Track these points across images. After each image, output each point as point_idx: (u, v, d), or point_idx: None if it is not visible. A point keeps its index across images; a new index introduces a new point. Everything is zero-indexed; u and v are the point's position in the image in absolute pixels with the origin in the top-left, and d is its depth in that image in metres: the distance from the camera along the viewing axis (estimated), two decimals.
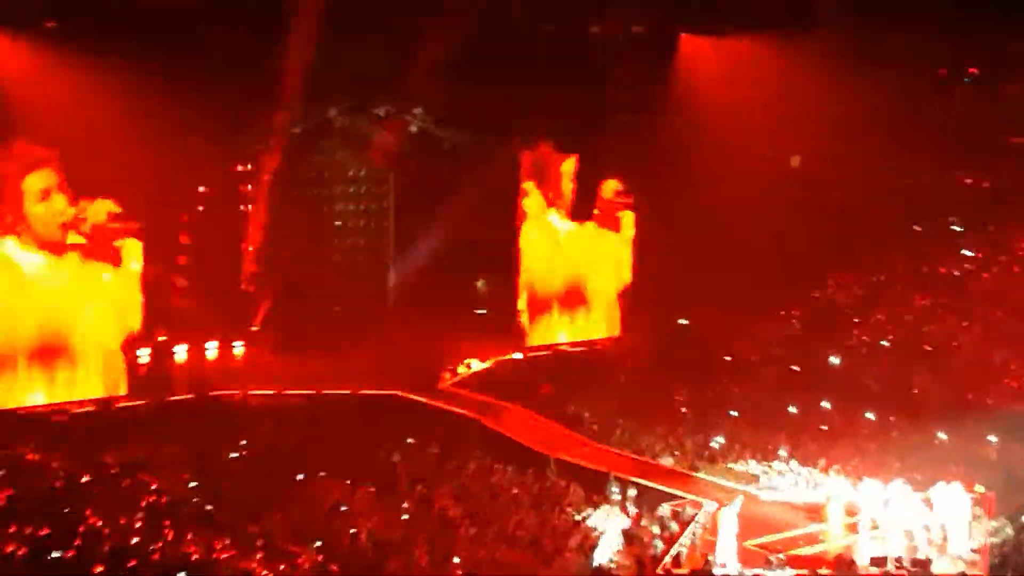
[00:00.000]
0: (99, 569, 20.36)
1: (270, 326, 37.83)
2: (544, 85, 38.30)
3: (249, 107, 36.61)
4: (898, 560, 24.57)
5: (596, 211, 41.26)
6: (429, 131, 41.69)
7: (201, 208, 39.03)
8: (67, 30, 33.79)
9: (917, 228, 38.31)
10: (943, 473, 27.95)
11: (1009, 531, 26.20)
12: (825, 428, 31.87)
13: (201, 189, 38.82)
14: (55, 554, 20.81)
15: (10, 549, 20.98)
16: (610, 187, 41.60)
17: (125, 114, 32.52)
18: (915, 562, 24.54)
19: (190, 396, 33.58)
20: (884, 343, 37.17)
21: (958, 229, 37.23)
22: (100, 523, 23.02)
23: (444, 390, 36.23)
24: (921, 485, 27.92)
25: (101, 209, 33.00)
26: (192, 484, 26.77)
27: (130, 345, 33.79)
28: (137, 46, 32.93)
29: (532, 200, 40.31)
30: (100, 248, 33.41)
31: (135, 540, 22.10)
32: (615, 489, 28.42)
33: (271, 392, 34.47)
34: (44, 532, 21.82)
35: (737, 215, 37.27)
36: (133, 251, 33.93)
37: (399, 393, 34.46)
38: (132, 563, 21.14)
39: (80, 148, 31.90)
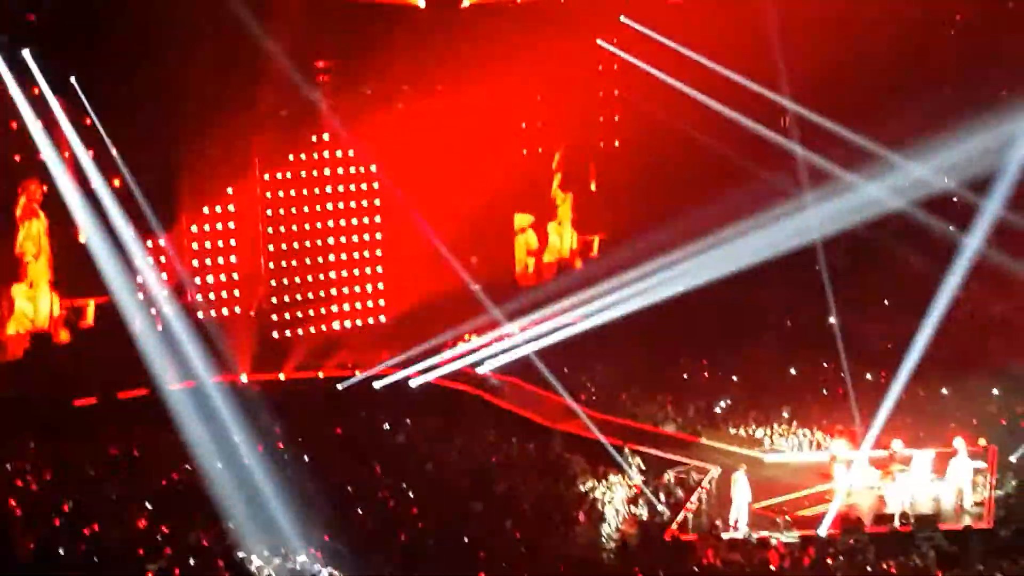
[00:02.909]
0: None
1: None
2: None
3: None
4: (904, 516, 24.65)
5: None
6: None
7: None
8: None
9: None
10: (945, 429, 28.08)
11: (1013, 483, 26.34)
12: (825, 392, 32.01)
13: None
14: None
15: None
16: None
17: None
18: (920, 517, 24.61)
19: None
20: (885, 302, 37.26)
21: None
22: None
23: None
24: (924, 442, 28.05)
25: None
26: None
27: None
28: None
29: None
30: None
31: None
32: (619, 458, 28.50)
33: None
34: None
35: None
36: None
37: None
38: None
39: None
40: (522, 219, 41.15)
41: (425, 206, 36.33)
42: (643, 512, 26.30)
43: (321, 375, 34.37)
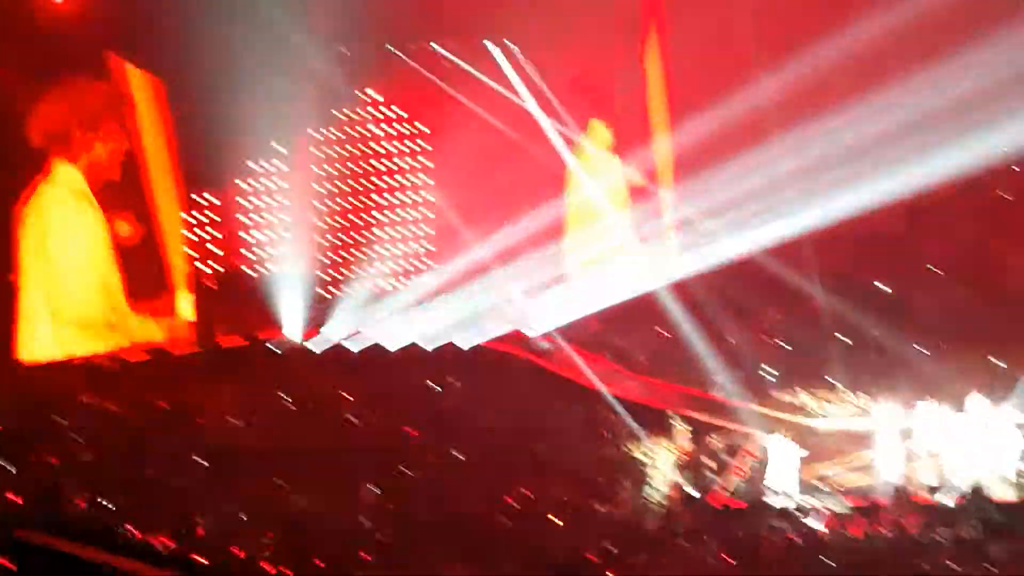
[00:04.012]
0: None
1: None
2: None
3: None
4: (954, 487, 24.50)
5: None
6: None
7: None
8: None
9: None
10: (993, 400, 27.92)
11: None
12: (873, 357, 31.85)
13: None
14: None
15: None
16: None
17: None
18: (973, 489, 24.45)
19: None
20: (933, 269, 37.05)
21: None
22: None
23: None
24: (972, 411, 27.87)
25: None
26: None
27: None
28: None
29: None
30: None
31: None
32: (666, 423, 28.50)
33: None
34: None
35: None
36: None
37: None
38: None
39: None
40: None
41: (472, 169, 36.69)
42: (690, 478, 26.31)
43: (370, 335, 34.54)
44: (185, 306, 33.40)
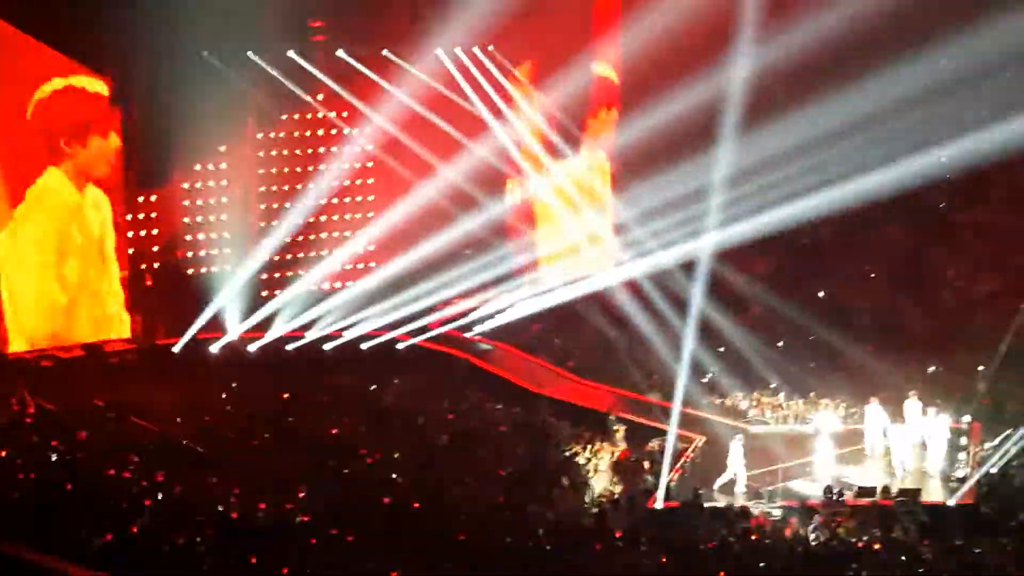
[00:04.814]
0: None
1: None
2: None
3: None
4: (886, 489, 24.80)
5: None
6: None
7: None
8: None
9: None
10: (930, 404, 28.25)
11: (996, 460, 26.51)
12: (813, 364, 32.05)
13: None
14: None
15: None
16: None
17: None
18: (904, 492, 24.77)
19: None
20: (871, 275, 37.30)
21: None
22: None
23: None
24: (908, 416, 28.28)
25: None
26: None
27: None
28: None
29: None
30: None
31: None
32: (604, 425, 28.61)
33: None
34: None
35: None
36: None
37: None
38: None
39: None
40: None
41: (418, 168, 36.08)
42: (627, 479, 26.44)
43: (307, 335, 34.33)
44: (125, 304, 32.68)
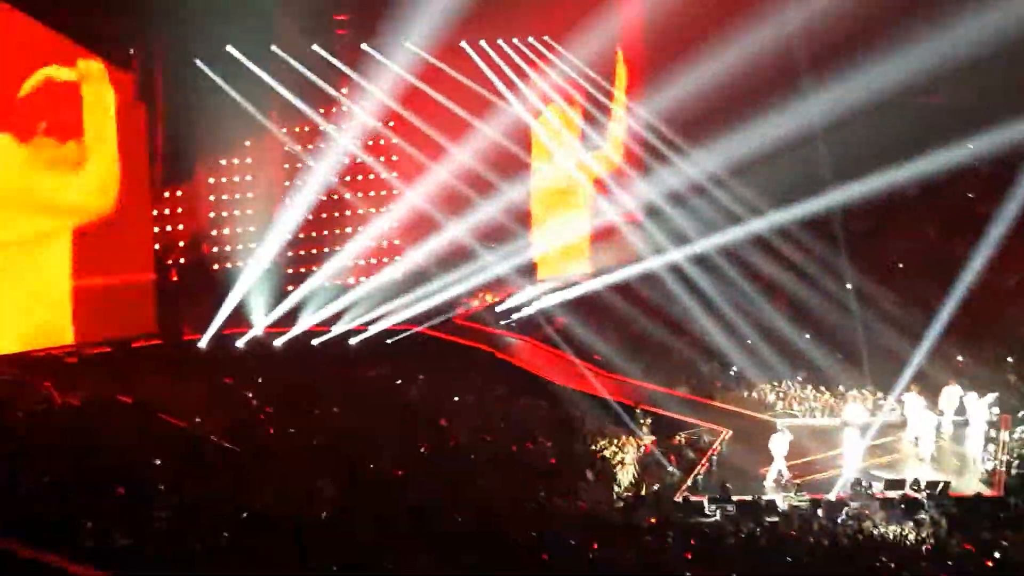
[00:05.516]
0: None
1: None
2: None
3: None
4: (915, 482, 24.58)
5: None
6: None
7: None
8: None
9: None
10: (962, 399, 28.02)
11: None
12: (840, 357, 31.81)
13: None
14: None
15: None
16: None
17: None
18: (931, 484, 24.54)
19: None
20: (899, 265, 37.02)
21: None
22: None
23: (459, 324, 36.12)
24: (938, 408, 28.05)
25: None
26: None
27: None
28: None
29: None
30: None
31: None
32: (630, 419, 28.47)
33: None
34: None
35: None
36: None
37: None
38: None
39: None
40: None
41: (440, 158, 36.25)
42: (654, 472, 26.30)
43: (332, 330, 34.30)
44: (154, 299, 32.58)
